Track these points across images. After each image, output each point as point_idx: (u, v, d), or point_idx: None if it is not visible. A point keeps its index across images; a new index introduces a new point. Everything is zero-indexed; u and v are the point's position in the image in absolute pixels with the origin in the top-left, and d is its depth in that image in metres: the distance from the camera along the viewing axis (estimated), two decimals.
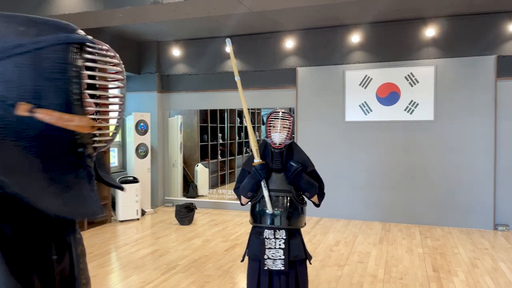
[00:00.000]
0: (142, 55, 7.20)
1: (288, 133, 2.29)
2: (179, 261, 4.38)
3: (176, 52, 7.02)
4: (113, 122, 0.75)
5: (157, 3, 3.23)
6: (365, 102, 6.13)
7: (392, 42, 5.95)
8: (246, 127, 9.82)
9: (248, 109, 9.58)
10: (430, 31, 5.73)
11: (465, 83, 5.68)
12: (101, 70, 0.70)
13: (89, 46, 0.67)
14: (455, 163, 5.73)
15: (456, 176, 5.73)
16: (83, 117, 0.65)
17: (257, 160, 2.28)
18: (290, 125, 2.29)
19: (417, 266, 4.17)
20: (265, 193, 2.28)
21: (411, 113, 5.92)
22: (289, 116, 2.31)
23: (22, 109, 0.61)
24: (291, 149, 2.36)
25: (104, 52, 0.69)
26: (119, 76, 0.72)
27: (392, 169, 6.01)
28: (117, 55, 0.72)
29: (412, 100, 5.90)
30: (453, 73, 5.73)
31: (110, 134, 0.73)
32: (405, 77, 5.93)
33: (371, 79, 6.09)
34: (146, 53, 7.17)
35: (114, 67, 0.71)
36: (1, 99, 0.60)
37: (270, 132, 2.30)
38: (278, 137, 2.27)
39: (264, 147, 2.36)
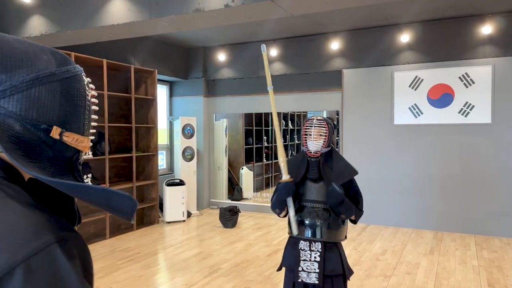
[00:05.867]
0: (189, 61, 7.38)
1: (324, 141, 2.22)
2: (222, 265, 4.42)
3: (221, 57, 7.12)
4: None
5: (199, 11, 3.28)
6: (415, 104, 5.86)
7: (445, 41, 5.64)
8: (289, 130, 9.75)
9: (293, 112, 9.50)
10: (486, 29, 5.36)
11: None
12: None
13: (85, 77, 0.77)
14: None
15: None
16: (88, 139, 0.74)
17: (284, 177, 2.18)
18: (326, 133, 2.21)
19: (471, 280, 3.91)
20: (291, 213, 2.19)
21: (466, 116, 5.57)
22: (325, 123, 2.23)
23: (56, 133, 0.66)
24: (330, 157, 2.28)
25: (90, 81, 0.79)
26: (96, 101, 0.82)
27: (446, 174, 5.69)
28: None
29: (467, 102, 5.55)
30: None
31: None
32: (460, 77, 5.59)
33: (422, 80, 5.81)
34: (193, 58, 7.34)
35: (94, 92, 0.80)
36: (35, 123, 0.65)
37: (305, 140, 2.24)
38: (313, 145, 2.21)
39: (302, 156, 2.31)
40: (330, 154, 2.28)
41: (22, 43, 0.68)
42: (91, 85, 0.77)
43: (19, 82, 0.63)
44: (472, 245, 5.07)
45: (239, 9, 3.15)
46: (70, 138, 0.68)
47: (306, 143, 2.24)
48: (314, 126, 2.22)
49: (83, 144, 0.71)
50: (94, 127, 0.79)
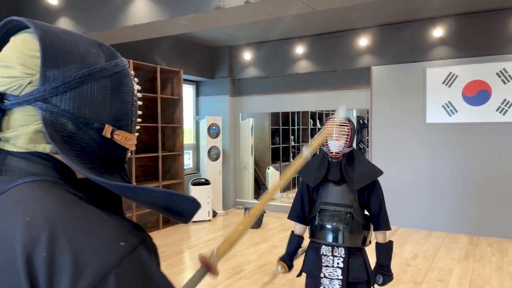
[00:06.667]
0: (215, 60, 7.36)
1: (346, 141, 2.10)
2: (245, 266, 4.36)
3: (247, 55, 7.06)
4: None
5: (219, 8, 3.23)
6: (449, 102, 5.58)
7: (481, 35, 5.33)
8: (317, 129, 9.57)
9: (321, 111, 9.30)
10: None
11: None
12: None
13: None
14: None
15: None
16: (135, 136, 0.70)
17: (280, 270, 2.23)
18: (348, 132, 2.10)
19: None
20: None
21: (504, 114, 5.25)
22: (347, 122, 2.12)
23: (108, 132, 0.63)
24: (351, 158, 2.16)
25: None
26: (140, 96, 0.76)
27: (482, 176, 5.38)
28: None
29: (505, 99, 5.23)
30: None
31: None
32: (497, 73, 5.27)
33: (456, 76, 5.52)
34: (219, 58, 7.32)
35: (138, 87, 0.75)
36: (87, 122, 0.61)
37: (326, 140, 2.13)
38: (335, 145, 2.09)
39: (322, 157, 2.20)
40: (352, 155, 2.17)
41: (69, 35, 0.64)
42: (135, 79, 0.72)
43: (72, 78, 0.59)
44: (509, 250, 4.77)
45: (260, 5, 3.07)
46: (120, 136, 0.65)
47: (327, 143, 2.13)
48: (337, 125, 2.10)
49: (130, 142, 0.68)
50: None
